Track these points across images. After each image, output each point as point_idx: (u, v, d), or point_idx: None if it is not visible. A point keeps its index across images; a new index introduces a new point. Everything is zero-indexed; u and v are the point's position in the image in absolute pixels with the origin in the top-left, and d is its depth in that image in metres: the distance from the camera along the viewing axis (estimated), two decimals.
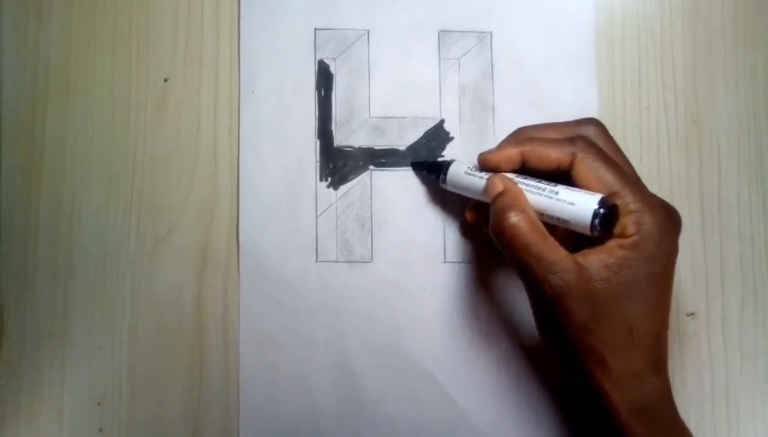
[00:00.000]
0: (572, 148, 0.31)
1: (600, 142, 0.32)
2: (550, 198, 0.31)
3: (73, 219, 0.38)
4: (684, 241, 0.39)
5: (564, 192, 0.30)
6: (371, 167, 0.39)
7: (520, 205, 0.31)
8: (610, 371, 0.29)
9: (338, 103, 0.39)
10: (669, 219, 0.30)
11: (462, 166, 0.35)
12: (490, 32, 0.39)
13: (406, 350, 0.38)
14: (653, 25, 0.39)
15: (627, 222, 0.29)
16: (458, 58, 0.39)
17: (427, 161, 0.38)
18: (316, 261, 0.38)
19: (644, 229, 0.29)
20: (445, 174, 0.36)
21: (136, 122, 0.39)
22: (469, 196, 0.35)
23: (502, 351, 0.38)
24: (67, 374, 0.38)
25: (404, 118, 0.39)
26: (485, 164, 0.34)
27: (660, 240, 0.29)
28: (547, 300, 0.29)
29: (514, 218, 0.30)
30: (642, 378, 0.30)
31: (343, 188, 0.39)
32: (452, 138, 0.39)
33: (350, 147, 0.39)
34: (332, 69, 0.39)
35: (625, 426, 0.29)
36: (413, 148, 0.39)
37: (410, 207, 0.38)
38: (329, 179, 0.39)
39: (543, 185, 0.31)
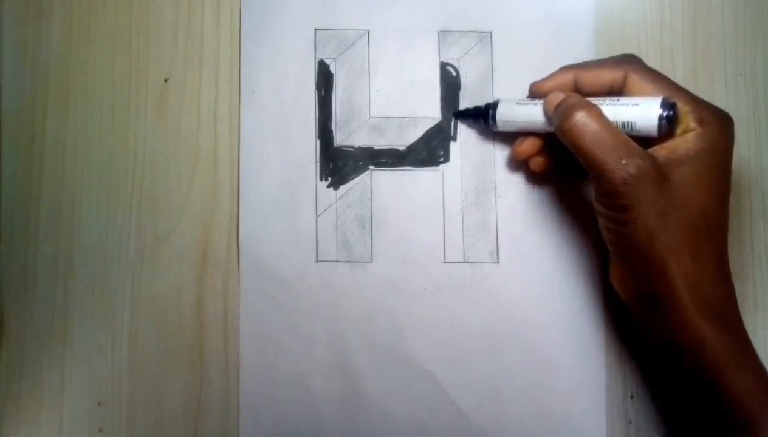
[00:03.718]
0: (624, 67, 0.32)
1: (648, 66, 0.33)
2: (613, 105, 0.31)
3: (73, 219, 0.38)
4: None
5: (625, 99, 0.32)
6: (371, 167, 0.39)
7: (587, 102, 0.31)
8: (682, 263, 0.29)
9: (338, 103, 0.39)
10: (724, 116, 0.31)
11: (510, 101, 0.36)
12: (490, 32, 0.39)
13: (406, 350, 0.38)
14: (653, 25, 0.39)
15: (688, 119, 0.30)
16: (458, 58, 0.39)
17: (469, 109, 0.38)
18: (316, 261, 0.38)
19: (706, 123, 0.30)
20: (495, 112, 0.36)
21: (136, 122, 0.39)
22: (523, 128, 0.35)
23: (502, 351, 0.38)
24: (67, 374, 0.38)
25: (404, 118, 0.39)
26: (539, 91, 0.35)
27: (721, 133, 0.30)
28: (619, 190, 0.29)
29: (583, 112, 0.30)
30: (713, 278, 0.30)
31: (343, 188, 0.39)
32: (452, 138, 0.39)
33: (350, 147, 0.39)
34: (332, 69, 0.39)
35: (700, 334, 0.29)
36: (413, 148, 0.39)
37: (410, 207, 0.38)
38: (329, 179, 0.39)
39: (603, 98, 0.32)
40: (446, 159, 0.39)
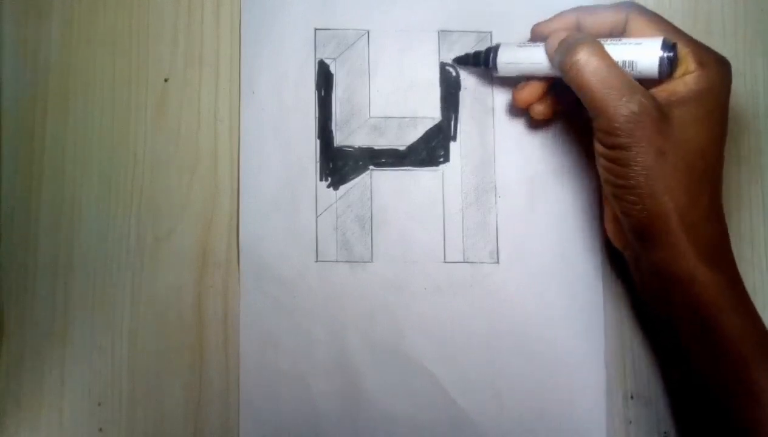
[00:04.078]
0: (626, 10, 0.33)
1: (649, 11, 0.34)
2: (615, 44, 0.32)
3: (73, 219, 0.38)
4: None
5: (627, 39, 0.32)
6: (371, 167, 0.39)
7: (590, 39, 0.31)
8: (678, 202, 0.29)
9: (338, 103, 0.39)
10: (723, 60, 0.31)
11: (512, 45, 0.36)
12: (490, 32, 0.39)
13: (406, 350, 0.38)
14: None
15: (688, 61, 0.31)
16: None
17: (469, 53, 0.38)
18: (316, 261, 0.38)
19: (705, 66, 0.30)
20: (495, 55, 0.36)
21: (136, 122, 0.39)
22: (525, 71, 0.35)
23: (502, 350, 0.38)
24: (67, 374, 0.38)
25: (404, 118, 0.39)
26: (541, 32, 0.35)
27: (719, 75, 0.31)
28: (620, 128, 0.29)
29: (586, 49, 0.30)
30: (708, 217, 0.30)
31: (343, 188, 0.39)
32: (452, 138, 0.39)
33: (350, 147, 0.39)
34: (332, 69, 0.39)
35: (693, 274, 0.29)
36: (413, 148, 0.39)
37: (410, 207, 0.38)
38: (329, 179, 0.39)
39: (604, 39, 0.32)
40: (446, 159, 0.39)
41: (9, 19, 0.39)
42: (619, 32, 0.33)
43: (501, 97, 0.39)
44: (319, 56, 0.39)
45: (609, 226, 0.34)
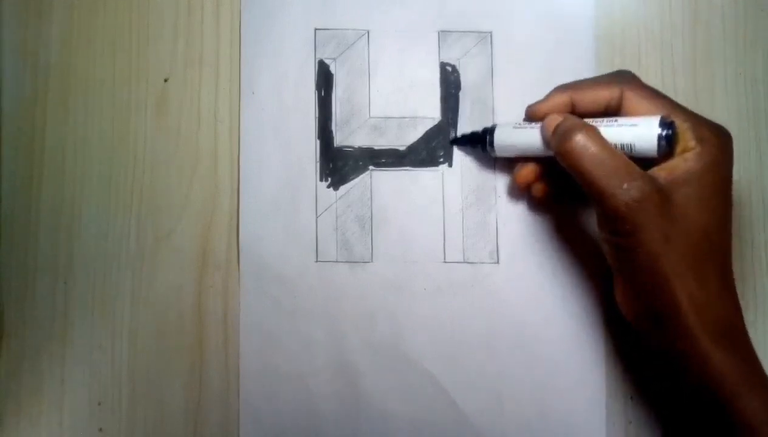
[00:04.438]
0: (619, 85, 0.32)
1: (643, 83, 0.33)
2: (610, 126, 0.31)
3: (73, 219, 0.38)
4: None
5: (623, 119, 0.31)
6: (371, 167, 0.39)
7: (585, 124, 0.31)
8: (688, 285, 0.29)
9: (338, 103, 0.39)
10: (723, 132, 0.31)
11: (507, 126, 0.35)
12: (490, 32, 0.39)
13: (406, 350, 0.38)
14: (653, 25, 0.39)
15: (687, 138, 0.30)
16: (458, 58, 0.39)
17: (466, 134, 0.38)
18: (316, 261, 0.38)
19: (704, 141, 0.30)
20: (492, 137, 0.36)
21: (136, 122, 0.39)
22: (522, 153, 0.35)
23: (502, 350, 0.38)
24: (67, 374, 0.38)
25: (404, 118, 0.39)
26: (535, 114, 0.34)
27: (720, 150, 0.30)
28: (622, 215, 0.28)
29: (582, 134, 0.30)
30: (719, 298, 0.30)
31: (343, 188, 0.39)
32: (452, 138, 0.39)
33: (350, 147, 0.39)
34: (332, 69, 0.39)
35: (707, 356, 0.29)
36: (413, 148, 0.39)
37: (410, 207, 0.38)
38: (329, 179, 0.39)
39: (600, 119, 0.31)
40: (446, 159, 0.39)
41: (9, 19, 0.39)
42: (615, 108, 0.32)
43: (501, 97, 0.39)
44: (319, 56, 0.39)
45: (619, 299, 0.32)
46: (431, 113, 0.39)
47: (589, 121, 0.31)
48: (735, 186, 0.38)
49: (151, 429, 0.38)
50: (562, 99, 0.33)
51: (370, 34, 0.39)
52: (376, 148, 0.39)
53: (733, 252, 0.38)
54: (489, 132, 0.36)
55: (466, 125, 0.39)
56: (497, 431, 0.37)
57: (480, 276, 0.38)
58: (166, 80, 0.39)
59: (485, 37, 0.39)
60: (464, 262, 0.38)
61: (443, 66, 0.39)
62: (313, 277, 0.38)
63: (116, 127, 0.39)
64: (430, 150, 0.39)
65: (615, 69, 0.39)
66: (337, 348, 0.38)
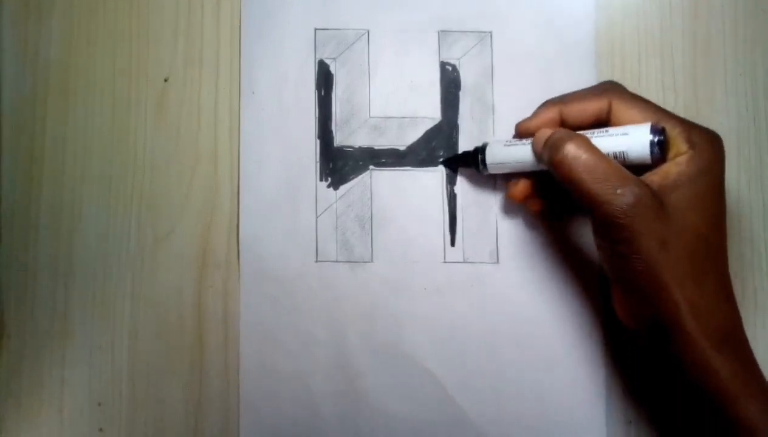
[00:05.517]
0: (607, 96, 0.32)
1: (630, 92, 0.33)
2: (602, 136, 0.31)
3: (73, 219, 0.38)
4: None
5: (613, 129, 0.31)
6: (371, 167, 0.39)
7: (575, 134, 0.31)
8: (687, 291, 0.29)
9: (338, 103, 0.39)
10: (714, 135, 0.31)
11: (498, 143, 0.35)
12: (490, 32, 0.39)
13: (406, 350, 0.38)
14: (653, 25, 0.39)
15: (678, 143, 0.30)
16: (458, 58, 0.39)
17: (457, 155, 0.38)
18: (316, 261, 0.38)
19: (696, 145, 0.30)
20: (483, 156, 0.36)
21: (136, 122, 0.39)
22: (515, 169, 0.35)
23: (502, 350, 0.38)
24: (67, 374, 0.38)
25: (404, 118, 0.39)
26: (525, 130, 0.34)
27: (713, 153, 0.30)
28: (618, 221, 0.28)
29: (572, 144, 0.30)
30: (717, 302, 0.29)
31: (343, 188, 0.39)
32: (452, 138, 0.39)
33: (350, 147, 0.39)
34: (332, 69, 0.39)
35: (707, 363, 0.29)
36: (413, 148, 0.39)
37: (410, 207, 0.38)
38: (329, 179, 0.39)
39: (591, 130, 0.32)
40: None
41: (9, 19, 0.39)
42: (604, 119, 0.32)
43: (501, 97, 0.39)
44: (319, 56, 0.39)
45: (618, 308, 0.32)
46: (431, 113, 0.39)
47: (581, 133, 0.31)
48: (735, 185, 0.39)
49: (151, 429, 0.38)
50: (551, 114, 0.33)
51: (370, 34, 0.39)
52: (376, 147, 0.39)
53: (734, 252, 0.38)
54: (480, 151, 0.36)
55: (466, 125, 0.39)
56: (497, 431, 0.37)
57: (480, 276, 0.38)
58: (166, 80, 0.39)
59: (485, 37, 0.39)
60: (464, 262, 0.38)
61: (443, 66, 0.39)
62: (313, 277, 0.38)
63: (116, 127, 0.39)
64: (430, 150, 0.39)
65: (615, 69, 0.39)
66: (337, 348, 0.38)
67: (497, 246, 0.38)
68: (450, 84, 0.39)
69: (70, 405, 0.38)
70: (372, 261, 0.38)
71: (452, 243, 0.38)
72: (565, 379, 0.37)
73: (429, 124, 0.39)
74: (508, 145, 0.35)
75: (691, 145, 0.30)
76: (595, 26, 0.39)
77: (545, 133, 0.32)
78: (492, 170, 0.36)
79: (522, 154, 0.34)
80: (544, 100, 0.35)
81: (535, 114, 0.34)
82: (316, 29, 0.39)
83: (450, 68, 0.39)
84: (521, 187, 0.35)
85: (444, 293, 0.38)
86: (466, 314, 0.38)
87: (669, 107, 0.39)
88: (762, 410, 0.29)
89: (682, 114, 0.39)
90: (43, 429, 0.38)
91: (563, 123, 0.33)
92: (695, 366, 0.29)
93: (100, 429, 0.38)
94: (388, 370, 0.38)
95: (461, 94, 0.39)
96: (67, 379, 0.38)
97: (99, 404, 0.38)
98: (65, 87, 0.39)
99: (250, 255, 0.38)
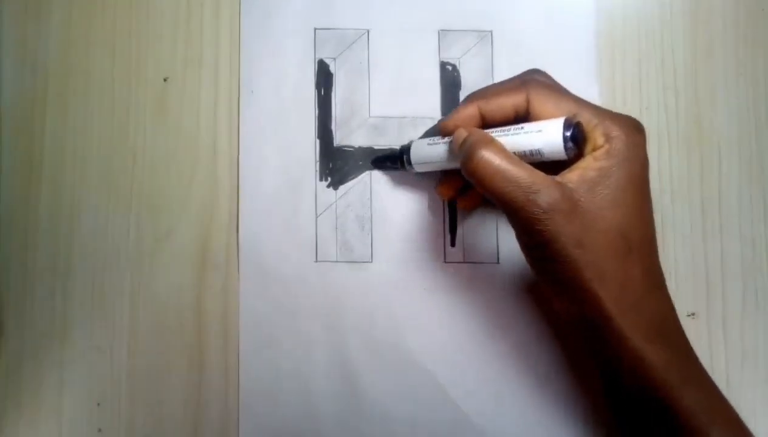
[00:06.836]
0: (525, 89, 0.31)
1: (549, 83, 0.32)
2: (517, 134, 0.30)
3: (73, 219, 0.38)
4: (684, 242, 0.39)
5: (528, 126, 0.30)
6: (371, 167, 0.39)
7: (488, 139, 0.30)
8: (610, 288, 0.28)
9: (338, 103, 0.39)
10: (633, 125, 0.30)
11: (422, 142, 0.35)
12: (490, 32, 0.39)
13: (406, 350, 0.38)
14: (653, 25, 0.39)
15: (595, 136, 0.29)
16: (458, 58, 0.39)
17: (385, 154, 0.38)
18: (316, 261, 0.38)
19: (613, 137, 0.29)
20: (408, 155, 0.36)
21: (136, 122, 0.39)
22: (440, 167, 0.35)
23: (503, 351, 0.38)
24: (66, 374, 0.38)
25: (404, 118, 0.39)
26: (445, 129, 0.34)
27: (630, 145, 0.29)
28: (534, 225, 0.28)
29: (484, 150, 0.29)
30: (644, 293, 0.29)
31: (342, 188, 0.39)
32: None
33: (350, 147, 0.39)
34: (332, 69, 0.39)
35: (640, 355, 0.28)
36: None
37: (410, 207, 0.38)
38: (329, 179, 0.39)
39: (507, 127, 0.31)
40: None
41: (9, 19, 0.39)
42: (524, 112, 0.31)
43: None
44: (319, 56, 0.39)
45: (556, 306, 0.33)
46: (431, 113, 0.39)
47: (497, 130, 0.31)
48: (736, 185, 0.38)
49: (150, 429, 0.37)
50: (471, 111, 0.33)
51: (370, 34, 0.39)
52: (376, 147, 0.39)
53: (734, 253, 0.38)
54: (405, 150, 0.36)
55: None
56: (497, 431, 0.37)
57: (480, 276, 0.38)
58: (165, 80, 0.39)
59: (485, 36, 0.39)
60: (464, 262, 0.38)
61: (443, 65, 0.39)
62: (313, 277, 0.38)
63: (116, 127, 0.39)
64: None
65: (615, 68, 0.39)
66: (337, 348, 0.38)
67: (497, 247, 0.38)
68: (450, 83, 0.39)
69: (69, 406, 0.38)
70: (372, 261, 0.38)
71: (452, 244, 0.38)
72: (565, 379, 0.37)
73: (429, 124, 0.39)
74: (432, 145, 0.35)
75: (607, 138, 0.29)
76: (595, 26, 0.39)
77: (462, 134, 0.32)
78: (418, 169, 0.36)
79: (444, 153, 0.34)
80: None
81: (456, 111, 0.33)
82: (315, 29, 0.39)
83: (450, 68, 0.39)
84: (447, 185, 0.36)
85: (444, 293, 0.38)
86: (466, 314, 0.38)
87: (669, 107, 0.40)
88: (700, 397, 0.29)
89: (682, 114, 0.39)
90: (42, 430, 0.37)
91: (484, 119, 0.33)
92: (628, 359, 0.29)
93: (99, 430, 0.38)
94: (387, 370, 0.38)
95: (461, 93, 0.39)
96: (66, 380, 0.38)
97: (98, 404, 0.38)
98: (64, 87, 0.39)
99: (250, 255, 0.38)
